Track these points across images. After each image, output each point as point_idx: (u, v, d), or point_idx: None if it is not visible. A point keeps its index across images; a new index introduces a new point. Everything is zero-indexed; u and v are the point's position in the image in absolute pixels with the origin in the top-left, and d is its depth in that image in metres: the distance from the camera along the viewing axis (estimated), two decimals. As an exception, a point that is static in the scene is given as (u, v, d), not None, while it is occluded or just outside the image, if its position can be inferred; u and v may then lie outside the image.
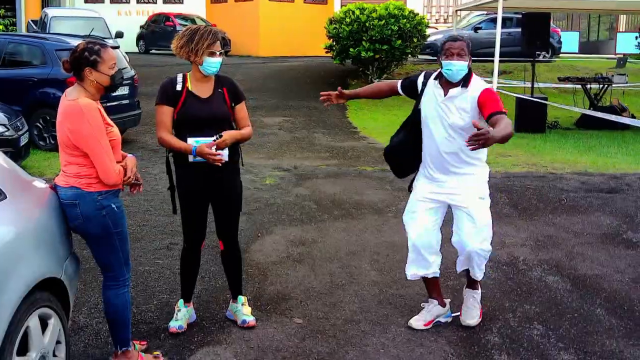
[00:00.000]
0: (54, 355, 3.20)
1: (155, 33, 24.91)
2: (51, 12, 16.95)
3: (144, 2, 27.37)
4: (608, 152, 10.92)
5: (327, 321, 4.40)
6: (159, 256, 5.55)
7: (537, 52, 14.36)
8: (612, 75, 14.21)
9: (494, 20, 16.68)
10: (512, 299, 4.80)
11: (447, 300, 4.45)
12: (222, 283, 4.83)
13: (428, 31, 17.58)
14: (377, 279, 5.14)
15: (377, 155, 9.81)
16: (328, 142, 11.48)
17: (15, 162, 3.54)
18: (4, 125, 8.06)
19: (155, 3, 27.42)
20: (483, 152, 4.17)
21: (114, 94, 9.29)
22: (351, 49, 16.55)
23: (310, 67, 19.85)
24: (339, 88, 4.53)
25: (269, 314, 4.49)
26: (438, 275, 4.37)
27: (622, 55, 19.95)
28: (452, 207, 4.22)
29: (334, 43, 17.19)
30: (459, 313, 4.42)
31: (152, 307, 4.55)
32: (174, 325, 4.17)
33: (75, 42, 6.97)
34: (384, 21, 16.20)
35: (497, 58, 12.65)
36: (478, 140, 3.44)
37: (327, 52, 18.09)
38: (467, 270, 4.31)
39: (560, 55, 22.52)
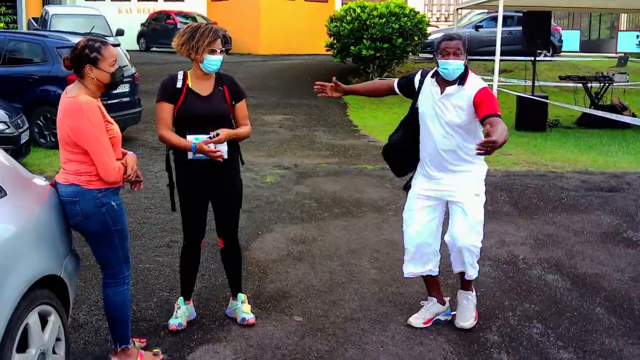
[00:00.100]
0: (54, 352, 3.20)
1: (156, 31, 24.90)
2: (52, 9, 16.96)
3: (145, 0, 27.35)
4: (609, 150, 10.92)
5: (326, 319, 4.40)
6: (159, 254, 5.55)
7: (538, 51, 14.36)
8: (613, 74, 14.21)
9: (494, 19, 16.68)
10: (511, 298, 4.81)
11: (447, 299, 4.44)
12: (222, 281, 4.83)
13: (429, 30, 17.58)
14: (377, 277, 5.15)
15: (377, 154, 9.80)
16: (328, 140, 11.48)
17: (16, 160, 3.55)
18: (5, 122, 8.07)
19: (156, 1, 27.39)
20: None
21: (114, 92, 9.32)
22: (352, 47, 16.55)
23: (310, 65, 19.85)
24: (334, 79, 4.45)
25: (269, 311, 4.49)
26: (436, 274, 4.36)
27: (623, 54, 19.94)
28: (448, 203, 4.21)
29: (335, 41, 17.19)
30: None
31: (152, 304, 4.56)
32: (173, 322, 4.17)
33: (75, 40, 6.99)
34: (384, 19, 16.19)
35: (497, 57, 12.64)
36: (487, 147, 3.45)
37: (327, 50, 18.09)
38: (463, 273, 4.29)
39: (561, 53, 22.52)
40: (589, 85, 14.00)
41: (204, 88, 4.04)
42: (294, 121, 13.22)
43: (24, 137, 8.34)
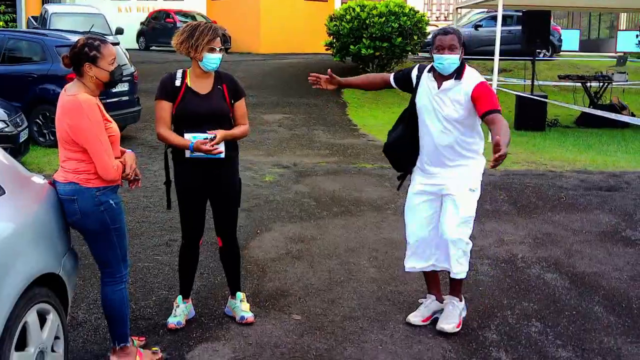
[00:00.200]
0: (53, 351, 3.20)
1: (156, 30, 24.90)
2: (51, 8, 16.96)
3: (144, -1, 27.36)
4: (608, 150, 10.93)
5: (325, 318, 4.40)
6: (158, 252, 5.55)
7: (538, 50, 14.38)
8: (612, 74, 14.23)
9: (494, 18, 16.67)
10: (510, 296, 4.81)
11: (446, 297, 4.44)
12: (221, 279, 4.83)
13: (428, 29, 17.58)
14: (376, 276, 5.15)
15: (376, 153, 9.82)
16: (328, 140, 11.48)
17: (15, 158, 3.54)
18: (4, 121, 8.07)
19: (156, 0, 27.40)
20: (479, 145, 4.16)
21: (114, 91, 9.32)
22: (351, 46, 16.56)
23: (310, 64, 19.81)
24: (329, 71, 4.40)
25: (268, 310, 4.49)
26: (437, 270, 4.36)
27: (622, 54, 19.96)
28: (442, 197, 4.19)
29: (334, 40, 17.20)
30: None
31: (151, 303, 4.56)
32: (172, 321, 4.17)
33: (75, 38, 6.99)
34: (384, 18, 16.20)
35: (497, 56, 12.63)
36: (500, 162, 3.47)
37: (327, 50, 18.10)
38: (452, 279, 4.25)
39: (561, 53, 22.54)
40: (588, 84, 14.02)
41: (203, 86, 4.04)
42: (293, 120, 13.22)
43: (23, 136, 8.34)
